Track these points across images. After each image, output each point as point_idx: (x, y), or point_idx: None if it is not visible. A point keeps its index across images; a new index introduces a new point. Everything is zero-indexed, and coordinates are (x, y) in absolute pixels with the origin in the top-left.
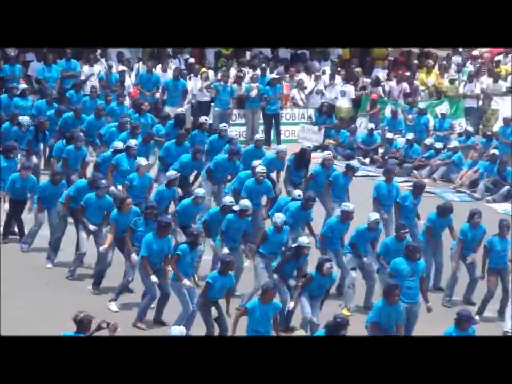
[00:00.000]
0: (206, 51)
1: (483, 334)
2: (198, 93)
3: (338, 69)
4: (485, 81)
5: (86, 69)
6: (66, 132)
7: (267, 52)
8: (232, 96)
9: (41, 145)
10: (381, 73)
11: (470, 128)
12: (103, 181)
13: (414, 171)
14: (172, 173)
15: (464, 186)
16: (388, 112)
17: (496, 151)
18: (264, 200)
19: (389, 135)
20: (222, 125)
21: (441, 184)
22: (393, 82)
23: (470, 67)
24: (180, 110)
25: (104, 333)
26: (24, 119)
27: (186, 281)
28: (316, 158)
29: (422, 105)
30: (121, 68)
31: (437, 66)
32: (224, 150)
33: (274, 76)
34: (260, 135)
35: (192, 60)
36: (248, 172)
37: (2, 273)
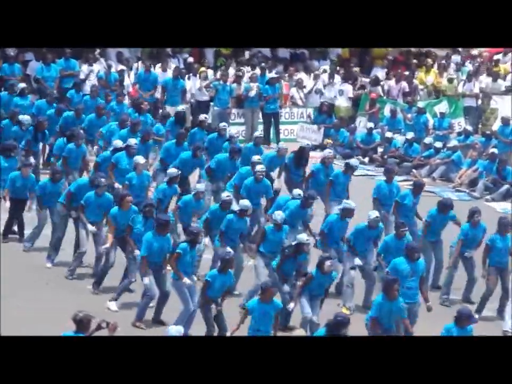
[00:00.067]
0: (205, 50)
1: (482, 333)
2: (197, 92)
3: (338, 68)
4: (484, 80)
5: (85, 68)
6: (66, 131)
7: (266, 51)
8: (231, 96)
9: (41, 145)
10: (380, 73)
11: (469, 127)
12: (103, 180)
13: (413, 170)
14: (172, 170)
15: (463, 186)
16: (387, 111)
17: (495, 150)
18: (263, 201)
19: (388, 134)
20: (222, 124)
21: (440, 183)
22: (392, 82)
23: (469, 66)
24: (180, 107)
25: (104, 332)
26: (25, 118)
27: (186, 280)
28: (315, 157)
29: (421, 104)
30: (120, 67)
31: (436, 66)
32: (224, 149)
33: (273, 75)
34: (258, 132)
35: (191, 59)
36: (249, 168)
37: (2, 273)
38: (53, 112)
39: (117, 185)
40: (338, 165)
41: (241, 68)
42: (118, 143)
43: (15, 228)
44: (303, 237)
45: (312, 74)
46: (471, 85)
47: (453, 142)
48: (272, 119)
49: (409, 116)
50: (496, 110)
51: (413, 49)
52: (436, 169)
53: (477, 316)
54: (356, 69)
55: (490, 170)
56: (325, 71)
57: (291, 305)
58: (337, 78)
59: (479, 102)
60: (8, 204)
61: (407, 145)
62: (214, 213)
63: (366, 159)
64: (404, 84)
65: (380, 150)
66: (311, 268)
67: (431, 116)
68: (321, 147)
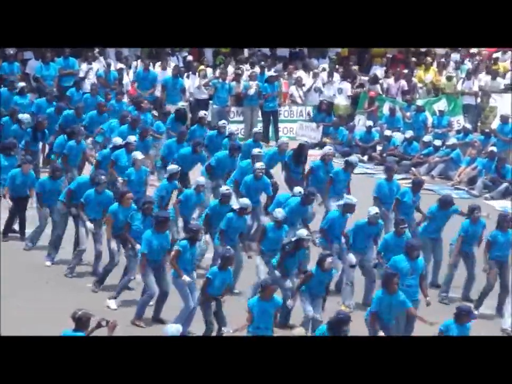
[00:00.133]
0: (204, 49)
1: (481, 330)
2: (196, 91)
3: (337, 66)
4: (483, 78)
5: (84, 66)
6: (66, 129)
7: (265, 49)
8: (231, 94)
9: (40, 144)
10: (379, 71)
11: (468, 126)
12: (103, 177)
13: (413, 168)
14: (172, 167)
15: (462, 184)
16: (386, 109)
17: (494, 148)
18: (263, 198)
19: (387, 132)
20: (221, 122)
21: (439, 181)
22: (391, 80)
23: (468, 64)
24: (180, 104)
25: (104, 330)
26: (24, 116)
27: (185, 277)
28: (314, 155)
29: (420, 102)
30: (120, 65)
31: (435, 64)
32: (223, 146)
33: (272, 73)
34: (258, 128)
35: (190, 58)
36: (249, 161)
37: (2, 272)
38: (53, 110)
39: (120, 179)
40: (337, 163)
41: (240, 66)
42: (117, 140)
43: (15, 227)
44: (302, 232)
45: (311, 73)
46: (470, 83)
47: (452, 140)
48: (271, 117)
49: (408, 114)
50: (495, 108)
51: (412, 48)
52: (434, 167)
53: (476, 312)
54: (355, 67)
55: (489, 169)
56: (324, 69)
57: (290, 302)
58: (336, 76)
59: (478, 100)
60: (9, 201)
61: (406, 143)
62: (214, 209)
63: (365, 157)
64: (403, 82)
65: (378, 148)
66: (310, 266)
67: (430, 114)
68: (320, 145)
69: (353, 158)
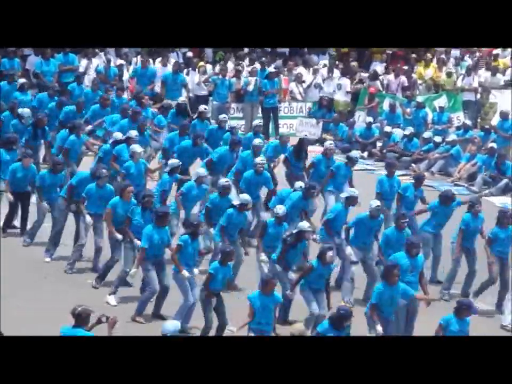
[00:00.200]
0: None
1: (481, 327)
2: (196, 87)
3: (337, 62)
4: (483, 74)
5: (84, 62)
6: (67, 124)
7: None
8: (231, 90)
9: (41, 141)
10: (379, 67)
11: (468, 122)
12: (104, 171)
13: (413, 165)
14: (174, 161)
15: (462, 180)
16: (386, 105)
17: (494, 145)
18: (263, 194)
19: (387, 128)
20: (222, 116)
21: (439, 177)
22: (391, 76)
23: (468, 60)
24: (181, 99)
25: (104, 326)
26: (24, 111)
27: (185, 273)
28: (314, 151)
29: (420, 98)
30: (119, 61)
31: (435, 60)
32: (224, 140)
33: (272, 69)
34: (258, 121)
35: (190, 54)
36: (249, 151)
37: (2, 268)
38: (54, 105)
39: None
40: (338, 159)
41: (240, 62)
42: (117, 135)
43: (15, 223)
44: (304, 224)
45: (311, 69)
46: (470, 79)
47: (451, 136)
48: (271, 114)
49: (408, 110)
50: (495, 104)
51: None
52: (434, 163)
53: (477, 305)
54: (354, 63)
55: (489, 165)
56: (325, 65)
57: (289, 293)
58: (336, 73)
59: (478, 96)
60: (9, 195)
61: (406, 139)
62: (214, 201)
63: (365, 154)
64: (403, 79)
65: (378, 144)
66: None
67: (430, 110)
68: (320, 141)
69: (355, 153)
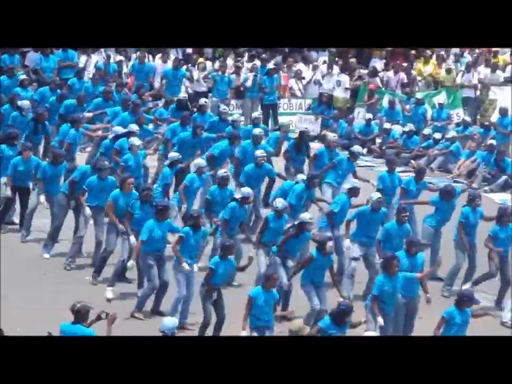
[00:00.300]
0: None
1: (481, 324)
2: (195, 83)
3: (336, 59)
4: (483, 71)
5: (83, 59)
6: (67, 117)
7: None
8: (230, 87)
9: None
10: (378, 64)
11: (468, 118)
12: (106, 162)
13: (412, 161)
14: (174, 154)
15: (461, 176)
16: (385, 102)
17: (493, 141)
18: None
19: (387, 125)
20: (223, 107)
21: (439, 174)
22: (390, 73)
23: (467, 57)
24: (181, 95)
25: (103, 323)
26: (24, 103)
27: (185, 265)
28: (313, 148)
29: (419, 95)
30: (119, 58)
31: (434, 57)
32: (226, 134)
33: (271, 66)
34: (258, 113)
35: (189, 50)
36: (249, 141)
37: (1, 266)
38: (55, 99)
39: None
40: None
41: (240, 58)
42: (118, 129)
43: (15, 219)
44: (305, 215)
45: (310, 65)
46: (469, 76)
47: (451, 133)
48: (271, 110)
49: (407, 107)
50: (494, 101)
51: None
52: (434, 160)
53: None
54: (353, 60)
55: (489, 161)
56: (324, 62)
57: (285, 282)
58: (336, 69)
59: (478, 93)
60: (9, 191)
61: (406, 136)
62: (213, 193)
63: (364, 150)
64: (403, 75)
65: (378, 141)
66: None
67: (429, 107)
68: (320, 138)
69: (357, 147)
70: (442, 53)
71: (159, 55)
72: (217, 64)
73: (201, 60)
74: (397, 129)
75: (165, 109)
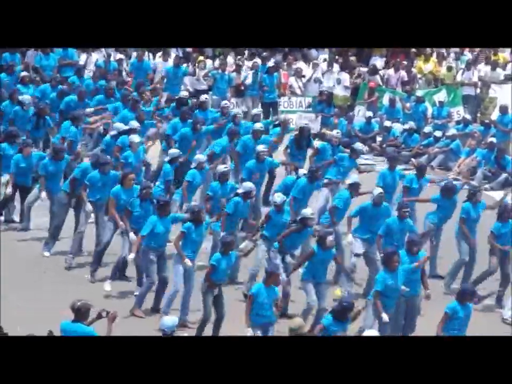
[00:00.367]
0: None
1: (481, 321)
2: (195, 82)
3: (336, 57)
4: (483, 69)
5: (83, 57)
6: (67, 114)
7: None
8: (230, 85)
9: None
10: (378, 61)
11: (468, 116)
12: (108, 157)
13: (412, 159)
14: (174, 150)
15: (461, 174)
16: (385, 100)
17: (494, 139)
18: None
19: (387, 123)
20: (224, 102)
21: (439, 172)
22: (391, 70)
23: (468, 55)
24: (182, 93)
25: (104, 321)
26: (25, 97)
27: (187, 261)
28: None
29: (420, 93)
30: (119, 56)
31: (435, 54)
32: (224, 133)
33: (271, 64)
34: (257, 110)
35: (189, 49)
36: (249, 136)
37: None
38: (55, 95)
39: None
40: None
41: (240, 56)
42: (119, 125)
43: (14, 217)
44: (307, 211)
45: (310, 63)
46: (470, 74)
47: (451, 131)
48: (271, 108)
49: (408, 104)
50: (495, 99)
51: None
52: (434, 158)
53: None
54: (353, 58)
55: (489, 159)
56: (325, 60)
57: (286, 277)
58: (336, 67)
59: (478, 90)
60: (9, 189)
61: (406, 134)
62: (215, 189)
63: (365, 148)
64: (403, 73)
65: (378, 139)
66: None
67: (430, 105)
68: (319, 136)
69: (358, 145)
70: (443, 51)
71: (159, 54)
72: (217, 62)
73: (201, 58)
74: (397, 127)
75: (167, 106)
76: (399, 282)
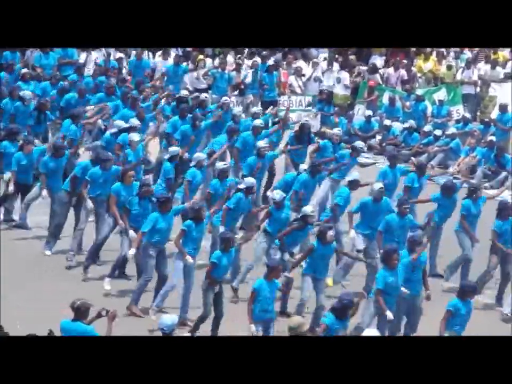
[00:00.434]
0: None
1: (481, 319)
2: (195, 81)
3: (336, 55)
4: (483, 67)
5: (83, 56)
6: (67, 112)
7: None
8: (230, 84)
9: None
10: (378, 60)
11: (468, 115)
12: (109, 153)
13: (412, 158)
14: (174, 148)
15: (461, 173)
16: (385, 99)
17: (493, 138)
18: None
19: (387, 122)
20: (224, 98)
21: (439, 170)
22: (391, 69)
23: (467, 54)
24: (183, 92)
25: (103, 320)
26: (26, 93)
27: (188, 258)
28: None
29: (419, 92)
30: (119, 55)
31: (434, 53)
32: (223, 131)
33: (271, 62)
34: (257, 108)
35: (189, 48)
36: (249, 132)
37: (2, 263)
38: (56, 93)
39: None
40: None
41: (240, 55)
42: (119, 123)
43: (14, 216)
44: (308, 208)
45: (310, 62)
46: (469, 72)
47: (451, 130)
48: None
49: (407, 103)
50: (494, 98)
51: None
52: (434, 156)
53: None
54: (353, 57)
55: (489, 158)
56: (325, 59)
57: (286, 274)
58: (336, 66)
59: (478, 89)
60: (11, 187)
61: (406, 133)
62: (215, 186)
63: (364, 147)
64: (403, 72)
65: (378, 137)
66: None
67: (429, 104)
68: (319, 134)
69: (359, 143)
70: (443, 49)
71: (159, 53)
72: (217, 61)
73: (201, 57)
74: (397, 126)
75: (167, 104)
76: (399, 280)
